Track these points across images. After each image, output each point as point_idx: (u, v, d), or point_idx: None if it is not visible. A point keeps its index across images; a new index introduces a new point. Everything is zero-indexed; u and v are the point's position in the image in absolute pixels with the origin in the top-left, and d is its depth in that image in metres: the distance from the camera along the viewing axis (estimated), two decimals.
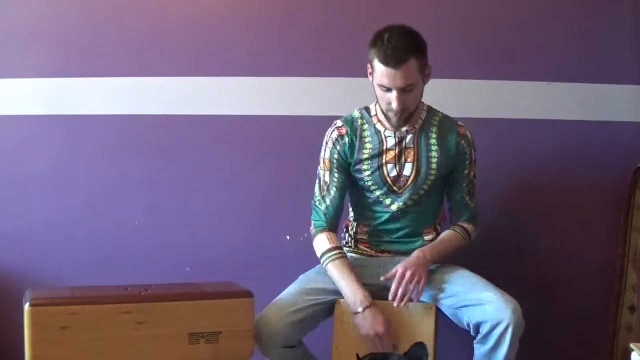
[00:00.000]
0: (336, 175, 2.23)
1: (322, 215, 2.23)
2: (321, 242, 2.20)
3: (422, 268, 2.13)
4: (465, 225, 2.28)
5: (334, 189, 2.23)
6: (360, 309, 2.10)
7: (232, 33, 2.61)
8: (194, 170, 2.63)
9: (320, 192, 2.24)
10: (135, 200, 2.63)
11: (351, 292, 2.12)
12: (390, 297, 2.11)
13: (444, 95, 2.42)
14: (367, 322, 2.09)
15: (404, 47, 2.06)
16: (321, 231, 2.22)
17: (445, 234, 2.27)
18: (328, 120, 2.31)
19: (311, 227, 2.25)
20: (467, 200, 2.28)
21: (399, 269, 2.12)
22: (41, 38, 2.59)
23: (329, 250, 2.18)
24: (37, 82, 2.59)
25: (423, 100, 2.26)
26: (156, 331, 1.89)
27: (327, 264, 2.17)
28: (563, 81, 2.60)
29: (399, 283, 2.10)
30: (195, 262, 2.62)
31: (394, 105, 2.11)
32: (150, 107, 2.60)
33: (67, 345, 1.82)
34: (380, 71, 2.09)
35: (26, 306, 1.81)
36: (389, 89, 2.10)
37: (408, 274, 2.10)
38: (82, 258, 2.61)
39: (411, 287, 2.10)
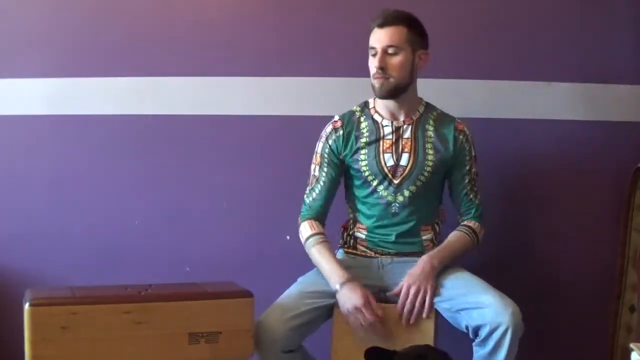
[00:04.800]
0: (325, 170, 2.26)
1: (308, 208, 2.27)
2: (304, 229, 2.25)
3: (427, 280, 2.12)
4: (471, 223, 2.27)
5: (322, 183, 2.26)
6: (337, 286, 2.11)
7: (233, 33, 2.61)
8: (194, 170, 2.63)
9: (309, 186, 2.28)
10: (135, 200, 2.63)
11: (330, 272, 2.15)
12: (398, 312, 2.12)
13: (444, 95, 2.42)
14: (346, 297, 2.09)
15: (396, 15, 2.17)
16: (305, 220, 2.26)
17: (451, 235, 2.26)
18: (328, 121, 2.31)
19: (299, 218, 2.29)
20: (471, 197, 2.27)
21: (403, 284, 2.13)
22: (42, 38, 2.59)
23: (311, 235, 2.22)
24: (37, 82, 2.59)
25: (422, 97, 2.28)
26: (156, 331, 1.89)
27: (309, 249, 2.21)
28: (563, 81, 2.60)
29: (404, 301, 2.11)
30: (195, 262, 2.62)
31: (375, 62, 2.15)
32: (150, 107, 2.60)
33: (67, 345, 1.82)
34: (371, 36, 2.18)
35: (26, 306, 1.81)
36: (375, 54, 2.16)
37: (412, 290, 2.11)
38: (82, 258, 2.61)
39: (417, 303, 2.10)
